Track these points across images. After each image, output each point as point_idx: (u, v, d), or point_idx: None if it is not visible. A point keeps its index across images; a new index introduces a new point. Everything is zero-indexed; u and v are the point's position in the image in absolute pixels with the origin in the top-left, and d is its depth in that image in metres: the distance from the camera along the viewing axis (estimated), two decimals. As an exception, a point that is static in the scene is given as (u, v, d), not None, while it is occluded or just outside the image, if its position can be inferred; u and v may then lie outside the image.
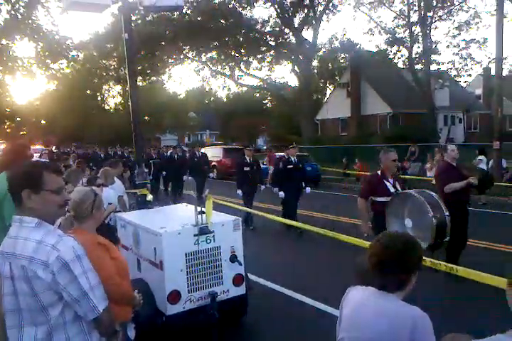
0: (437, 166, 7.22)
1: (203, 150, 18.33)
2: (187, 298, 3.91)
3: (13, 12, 16.87)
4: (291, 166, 8.92)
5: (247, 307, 4.55)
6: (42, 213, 1.90)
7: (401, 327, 1.74)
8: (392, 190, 4.99)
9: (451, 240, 4.57)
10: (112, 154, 18.93)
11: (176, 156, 13.82)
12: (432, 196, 4.59)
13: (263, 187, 9.93)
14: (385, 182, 5.05)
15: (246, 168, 9.49)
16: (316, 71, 36.05)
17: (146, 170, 6.61)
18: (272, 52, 29.60)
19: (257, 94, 49.66)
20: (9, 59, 17.39)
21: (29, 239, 1.83)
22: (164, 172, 13.81)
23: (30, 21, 17.34)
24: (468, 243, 6.12)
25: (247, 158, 9.61)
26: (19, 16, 17.02)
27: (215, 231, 4.07)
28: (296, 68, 28.53)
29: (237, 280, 4.22)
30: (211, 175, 13.33)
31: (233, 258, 4.17)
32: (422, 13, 24.71)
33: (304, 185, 9.20)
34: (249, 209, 8.73)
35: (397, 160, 5.30)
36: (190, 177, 12.83)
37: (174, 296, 3.84)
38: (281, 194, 8.88)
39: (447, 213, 4.43)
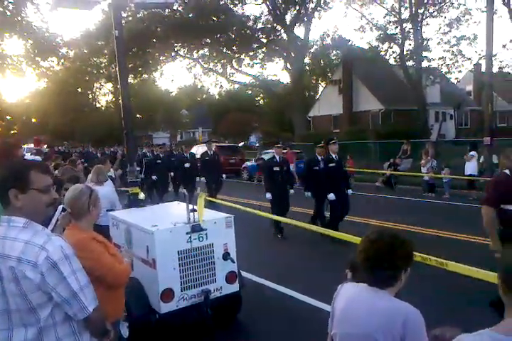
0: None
1: (194, 148, 18.32)
2: (180, 296, 3.91)
3: (1, 9, 16.68)
4: (333, 164, 8.02)
5: (240, 304, 4.56)
6: (30, 212, 1.89)
7: (392, 324, 1.75)
8: None
9: None
10: (109, 153, 18.91)
11: (187, 155, 13.23)
12: None
13: (292, 191, 8.66)
14: None
15: (276, 168, 8.47)
16: (308, 68, 35.99)
17: (138, 169, 6.59)
18: (263, 49, 29.56)
19: (250, 92, 49.63)
20: (-1, 57, 17.24)
21: (17, 239, 1.81)
22: (171, 173, 13.30)
23: (19, 18, 17.16)
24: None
25: (277, 157, 8.63)
26: (8, 13, 16.83)
27: (207, 229, 4.07)
28: (288, 65, 28.51)
29: (231, 277, 4.23)
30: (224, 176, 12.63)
31: (226, 256, 4.17)
32: (413, 9, 24.74)
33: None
34: (275, 217, 7.57)
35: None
36: (202, 178, 12.08)
37: (167, 294, 3.84)
38: (308, 194, 8.39)
39: None
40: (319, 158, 8.65)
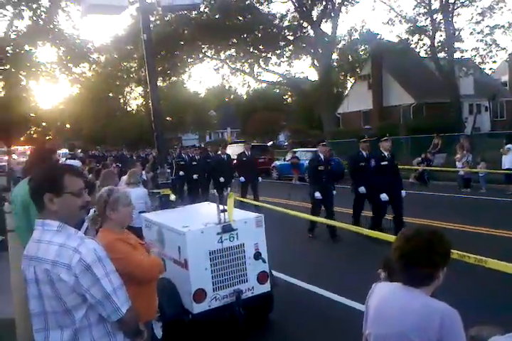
0: None
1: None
2: (212, 297, 3.92)
3: (34, 18, 17.20)
4: (386, 162, 7.60)
5: (272, 304, 4.54)
6: (64, 216, 1.93)
7: (428, 324, 1.69)
8: None
9: None
10: (143, 156, 19.21)
11: (224, 157, 12.72)
12: None
13: (335, 192, 8.22)
14: None
15: (321, 167, 8.08)
16: (336, 64, 35.61)
17: (168, 171, 6.66)
18: (290, 47, 29.39)
19: (277, 90, 49.50)
20: (32, 64, 17.74)
21: (52, 242, 1.85)
22: (205, 175, 13.11)
23: (51, 26, 17.65)
24: None
25: (321, 156, 8.26)
26: (41, 22, 17.34)
27: (238, 229, 4.06)
28: (315, 62, 28.26)
29: (262, 277, 4.21)
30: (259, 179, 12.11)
31: (257, 256, 4.16)
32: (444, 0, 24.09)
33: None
34: (314, 218, 7.63)
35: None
36: (241, 178, 11.78)
37: (200, 295, 3.86)
38: (362, 189, 8.17)
39: None
40: (364, 153, 8.38)
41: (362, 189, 8.19)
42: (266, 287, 4.26)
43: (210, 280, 3.91)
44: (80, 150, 24.61)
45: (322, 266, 6.54)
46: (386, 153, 7.64)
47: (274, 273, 4.84)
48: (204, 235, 3.91)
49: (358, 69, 35.88)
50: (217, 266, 3.95)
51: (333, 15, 27.13)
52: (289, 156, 19.47)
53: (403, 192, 7.61)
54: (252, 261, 4.14)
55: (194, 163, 13.41)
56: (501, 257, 3.55)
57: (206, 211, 4.78)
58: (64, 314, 1.84)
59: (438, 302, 1.74)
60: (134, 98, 45.10)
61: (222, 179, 12.03)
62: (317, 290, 5.49)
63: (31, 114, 21.39)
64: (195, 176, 12.98)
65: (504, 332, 1.80)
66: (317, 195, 7.84)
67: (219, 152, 13.22)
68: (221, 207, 4.07)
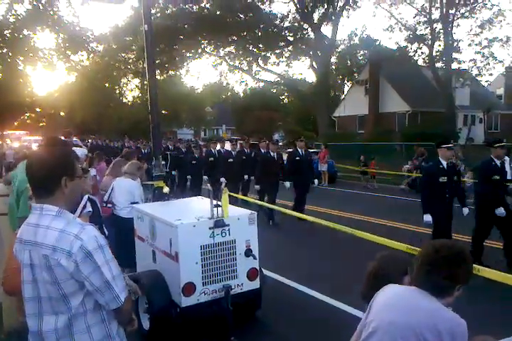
0: None
1: (219, 145, 18.24)
2: (201, 291, 3.91)
3: (35, 3, 17.02)
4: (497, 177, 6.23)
5: (261, 301, 4.54)
6: (70, 199, 1.95)
7: (437, 327, 1.72)
8: None
9: None
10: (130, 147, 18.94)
11: (274, 155, 10.25)
12: None
13: (466, 210, 6.29)
14: None
15: (443, 179, 5.84)
16: (334, 67, 35.72)
17: (163, 163, 6.63)
18: (290, 48, 29.44)
19: (274, 90, 49.50)
20: (30, 50, 17.56)
21: (51, 227, 1.82)
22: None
23: (51, 12, 17.48)
24: None
25: (444, 163, 6.44)
26: (41, 7, 17.17)
27: (230, 225, 4.05)
28: (314, 64, 28.34)
29: (252, 274, 4.21)
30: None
31: (248, 252, 4.15)
32: (444, 10, 24.25)
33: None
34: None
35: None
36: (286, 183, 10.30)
37: (189, 288, 3.84)
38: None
39: None
40: (497, 162, 6.27)
41: (501, 211, 6.08)
42: (255, 284, 4.25)
43: (200, 275, 3.90)
44: (74, 138, 24.35)
45: (313, 267, 6.55)
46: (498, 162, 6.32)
47: (265, 271, 4.83)
48: (196, 229, 3.89)
49: (355, 74, 35.98)
50: (207, 261, 3.94)
51: (333, 18, 27.24)
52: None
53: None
54: (242, 258, 4.14)
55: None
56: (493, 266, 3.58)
57: (200, 205, 4.76)
58: (60, 300, 1.82)
59: (450, 312, 1.78)
60: (130, 90, 44.86)
61: (258, 186, 9.94)
62: (307, 290, 5.50)
63: (26, 99, 21.16)
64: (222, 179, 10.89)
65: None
66: (427, 218, 6.03)
67: (262, 149, 10.87)
68: (214, 202, 4.06)
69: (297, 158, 9.73)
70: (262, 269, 4.59)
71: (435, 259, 1.81)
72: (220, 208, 4.04)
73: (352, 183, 16.85)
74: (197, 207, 4.64)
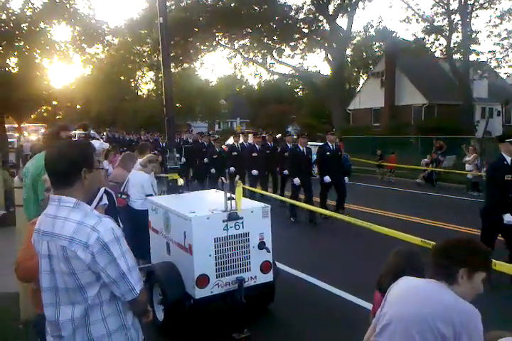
0: None
1: (231, 139, 18.20)
2: (215, 283, 3.93)
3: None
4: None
5: (274, 294, 4.55)
6: (89, 191, 1.98)
7: (450, 317, 1.71)
8: None
9: None
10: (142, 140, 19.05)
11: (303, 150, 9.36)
12: None
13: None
14: None
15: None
16: (349, 60, 35.35)
17: (178, 155, 6.65)
18: (305, 40, 29.14)
19: (289, 83, 49.25)
20: (47, 42, 17.67)
21: (68, 219, 1.84)
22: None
23: (67, 5, 17.54)
24: None
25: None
26: (57, 0, 17.24)
27: (244, 218, 4.06)
28: (329, 56, 28.05)
29: (265, 267, 4.22)
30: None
31: (261, 245, 4.16)
32: (463, 0, 23.74)
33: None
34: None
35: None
36: (326, 177, 9.40)
37: (202, 280, 3.87)
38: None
39: None
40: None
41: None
42: (269, 277, 4.26)
43: (214, 267, 3.92)
44: (92, 131, 24.68)
45: (326, 260, 6.54)
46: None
47: (278, 264, 4.84)
48: (210, 221, 3.91)
49: (371, 66, 35.57)
50: (221, 253, 3.96)
51: (349, 10, 26.84)
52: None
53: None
54: (256, 250, 4.14)
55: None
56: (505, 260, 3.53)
57: (214, 198, 4.78)
58: (76, 290, 1.84)
59: (466, 303, 1.77)
60: (145, 83, 45.03)
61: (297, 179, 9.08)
62: (322, 284, 5.50)
63: (43, 92, 21.35)
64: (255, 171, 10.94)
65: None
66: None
67: (288, 143, 10.90)
68: (228, 194, 4.06)
69: (327, 154, 9.26)
70: (276, 263, 4.60)
71: (446, 248, 1.88)
72: (233, 201, 4.05)
73: (367, 177, 16.73)
74: (211, 200, 4.65)
